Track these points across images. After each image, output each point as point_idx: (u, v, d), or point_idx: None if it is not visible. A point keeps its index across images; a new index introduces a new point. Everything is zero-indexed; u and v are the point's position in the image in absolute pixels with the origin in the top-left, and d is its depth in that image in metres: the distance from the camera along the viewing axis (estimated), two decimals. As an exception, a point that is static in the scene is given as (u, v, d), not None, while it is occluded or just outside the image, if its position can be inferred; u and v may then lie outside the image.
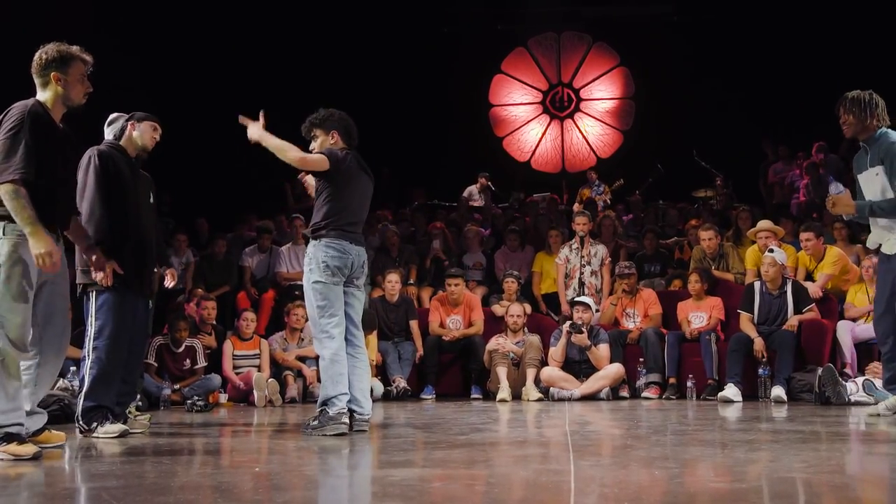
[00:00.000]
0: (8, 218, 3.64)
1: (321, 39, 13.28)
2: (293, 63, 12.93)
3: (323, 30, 13.30)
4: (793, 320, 6.85)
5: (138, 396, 5.51)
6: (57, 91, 3.82)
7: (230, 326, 7.88)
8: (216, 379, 7.15)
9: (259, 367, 7.32)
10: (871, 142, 4.96)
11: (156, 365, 7.06)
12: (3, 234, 3.64)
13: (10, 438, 3.59)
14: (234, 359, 7.38)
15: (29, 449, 3.61)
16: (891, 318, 4.92)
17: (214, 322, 7.67)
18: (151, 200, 4.89)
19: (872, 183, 4.93)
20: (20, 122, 3.63)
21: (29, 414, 3.86)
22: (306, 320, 7.75)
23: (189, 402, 6.55)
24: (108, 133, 4.80)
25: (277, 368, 7.45)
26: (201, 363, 7.18)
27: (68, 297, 4.08)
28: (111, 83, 5.02)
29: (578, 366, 7.24)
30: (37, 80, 3.85)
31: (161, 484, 3.15)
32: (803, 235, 7.33)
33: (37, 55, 3.83)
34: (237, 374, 7.32)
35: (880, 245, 4.98)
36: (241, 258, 8.94)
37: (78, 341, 5.05)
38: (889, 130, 4.92)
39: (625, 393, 7.21)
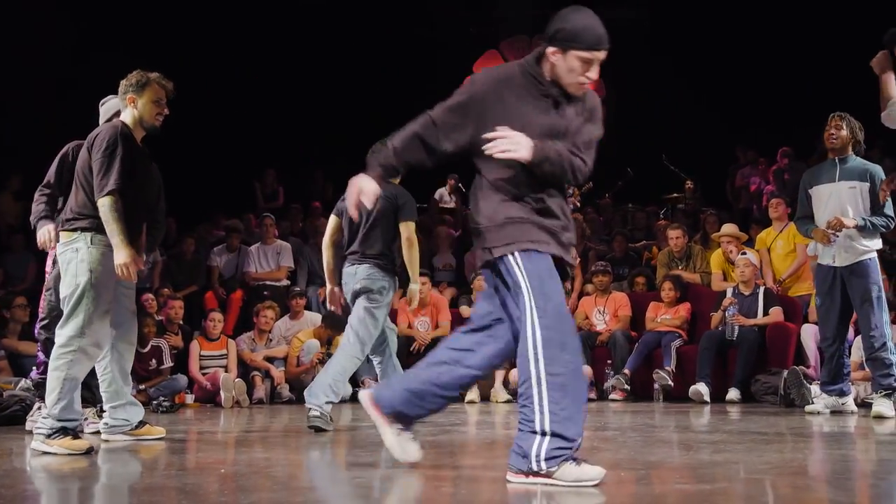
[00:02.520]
0: (93, 229, 3.93)
1: (292, 40, 13.20)
2: (264, 63, 12.85)
3: (294, 31, 13.22)
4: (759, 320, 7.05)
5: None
6: (133, 114, 4.12)
7: (197, 326, 7.80)
8: (182, 379, 7.08)
9: (226, 368, 7.26)
10: (844, 160, 5.31)
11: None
12: (91, 244, 3.92)
13: (64, 433, 3.79)
14: (200, 359, 7.32)
15: (82, 444, 3.80)
16: (833, 324, 5.36)
17: (181, 322, 7.60)
18: None
19: (840, 195, 5.25)
20: (114, 141, 3.92)
21: (125, 405, 4.26)
22: (275, 321, 7.74)
23: (154, 402, 6.47)
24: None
25: (245, 369, 7.39)
26: (167, 363, 7.08)
27: (134, 295, 4.38)
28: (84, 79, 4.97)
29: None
30: (120, 104, 4.21)
31: (125, 485, 3.12)
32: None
33: (121, 82, 4.17)
34: (204, 374, 7.25)
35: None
36: (209, 257, 8.86)
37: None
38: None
39: (592, 395, 7.25)
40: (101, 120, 4.79)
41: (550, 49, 3.06)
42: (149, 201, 4.30)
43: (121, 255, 3.86)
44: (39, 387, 4.66)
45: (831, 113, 5.43)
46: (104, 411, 4.52)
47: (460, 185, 12.55)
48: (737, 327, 6.96)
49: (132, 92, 4.12)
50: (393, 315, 8.05)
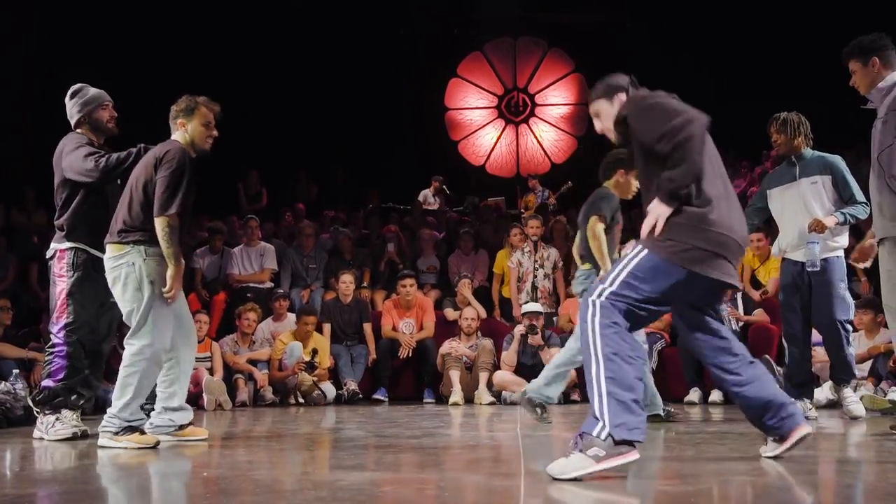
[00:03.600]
0: (146, 242, 4.14)
1: (276, 41, 13.18)
2: (248, 64, 12.82)
3: (278, 32, 13.20)
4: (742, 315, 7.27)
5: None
6: (184, 137, 4.29)
7: (180, 328, 7.75)
8: (165, 382, 7.02)
9: (210, 370, 7.23)
10: (800, 158, 5.33)
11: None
12: (147, 255, 4.14)
13: (132, 430, 4.11)
14: (183, 361, 7.26)
15: (150, 439, 4.14)
16: (798, 322, 5.38)
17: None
18: None
19: (802, 193, 5.26)
20: (183, 164, 4.13)
21: (177, 409, 4.42)
22: (258, 324, 7.72)
23: (136, 405, 6.43)
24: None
25: (228, 372, 7.36)
26: (149, 366, 7.04)
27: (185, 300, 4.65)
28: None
29: (531, 370, 7.28)
30: (171, 127, 4.36)
31: (106, 489, 3.10)
32: (753, 236, 7.47)
33: (172, 107, 4.35)
34: (186, 376, 7.20)
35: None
36: (192, 259, 8.81)
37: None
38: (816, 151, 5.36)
39: (576, 397, 7.29)
40: (73, 116, 4.77)
41: None
42: (188, 218, 4.44)
43: (171, 269, 4.13)
44: (55, 395, 4.55)
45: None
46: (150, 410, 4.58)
47: (444, 186, 12.57)
48: (733, 321, 7.06)
49: (182, 117, 4.30)
50: (379, 316, 8.07)
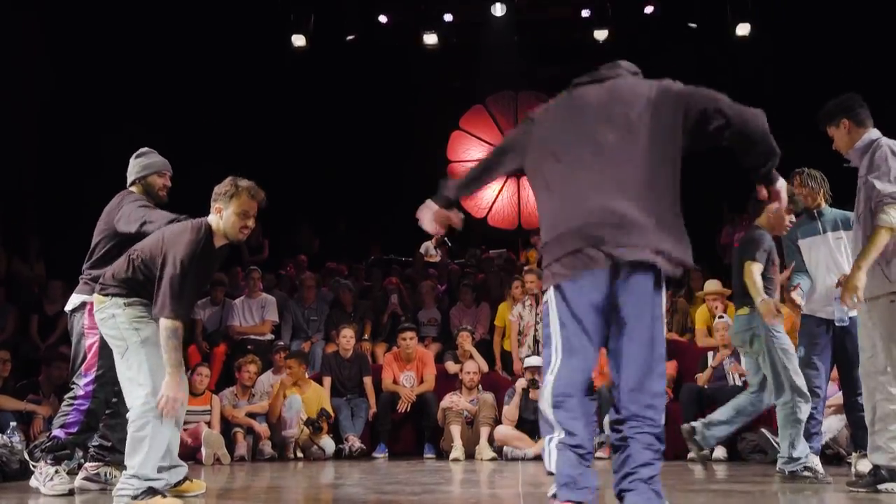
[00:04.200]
0: (125, 296, 3.95)
1: (279, 96, 13.35)
2: (250, 119, 12.96)
3: (281, 86, 13.37)
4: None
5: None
6: (217, 223, 4.02)
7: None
8: (163, 435, 6.97)
9: (209, 424, 7.18)
10: (821, 214, 5.37)
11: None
12: (126, 306, 3.95)
13: (153, 493, 3.82)
14: (183, 414, 7.22)
15: (174, 501, 3.86)
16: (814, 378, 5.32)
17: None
18: None
19: (830, 247, 5.28)
20: (189, 259, 3.83)
21: (170, 468, 4.14)
22: (258, 376, 7.70)
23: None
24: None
25: (227, 425, 7.31)
26: (148, 419, 6.99)
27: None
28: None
29: (532, 425, 7.23)
30: (212, 205, 4.07)
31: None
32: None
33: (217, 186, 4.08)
34: (185, 429, 7.15)
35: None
36: (193, 311, 8.80)
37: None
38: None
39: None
40: (131, 175, 4.86)
41: None
42: (198, 291, 4.35)
43: (168, 385, 3.84)
44: (62, 447, 4.50)
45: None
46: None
47: (446, 238, 12.60)
48: (735, 376, 7.05)
49: (220, 201, 4.02)
50: (380, 369, 8.04)
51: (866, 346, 4.25)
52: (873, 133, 4.23)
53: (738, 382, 7.09)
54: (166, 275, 3.83)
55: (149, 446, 3.84)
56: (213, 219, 4.03)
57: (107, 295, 4.01)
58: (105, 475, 4.63)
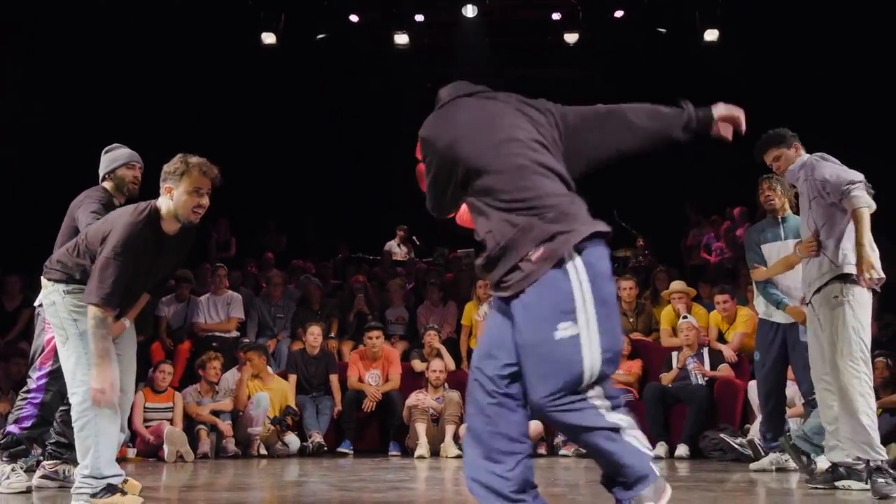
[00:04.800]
0: (66, 281, 3.77)
1: (249, 93, 13.25)
2: (220, 114, 12.86)
3: (251, 83, 13.27)
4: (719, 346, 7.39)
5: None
6: (168, 205, 3.74)
7: (142, 378, 7.63)
8: (125, 432, 6.88)
9: (171, 421, 7.11)
10: (784, 220, 5.55)
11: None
12: (66, 293, 3.75)
13: (112, 490, 3.66)
14: (145, 412, 7.15)
15: (134, 501, 3.71)
16: (773, 380, 5.56)
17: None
18: None
19: (789, 251, 5.33)
20: (123, 247, 3.58)
21: None
22: (222, 373, 7.63)
23: (95, 456, 6.27)
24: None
25: (190, 423, 7.25)
26: (110, 416, 6.88)
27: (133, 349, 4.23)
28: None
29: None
30: (161, 187, 3.80)
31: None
32: (719, 297, 7.56)
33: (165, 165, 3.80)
34: (147, 427, 7.09)
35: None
36: (158, 307, 8.70)
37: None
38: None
39: (542, 450, 7.25)
40: (101, 170, 4.78)
41: None
42: (149, 285, 4.08)
43: (94, 378, 3.60)
44: (17, 443, 4.43)
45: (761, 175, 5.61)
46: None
47: (413, 236, 12.62)
48: (698, 375, 7.12)
49: (170, 181, 3.72)
50: (346, 367, 8.01)
51: (814, 348, 4.35)
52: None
53: (702, 381, 7.16)
54: (99, 259, 3.59)
55: (96, 443, 3.65)
56: (162, 201, 3.75)
57: (50, 279, 3.84)
58: (63, 472, 4.56)
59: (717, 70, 12.78)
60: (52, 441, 4.61)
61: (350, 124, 14.09)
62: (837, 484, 4.20)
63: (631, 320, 8.21)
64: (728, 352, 7.30)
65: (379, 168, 14.35)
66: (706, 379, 7.21)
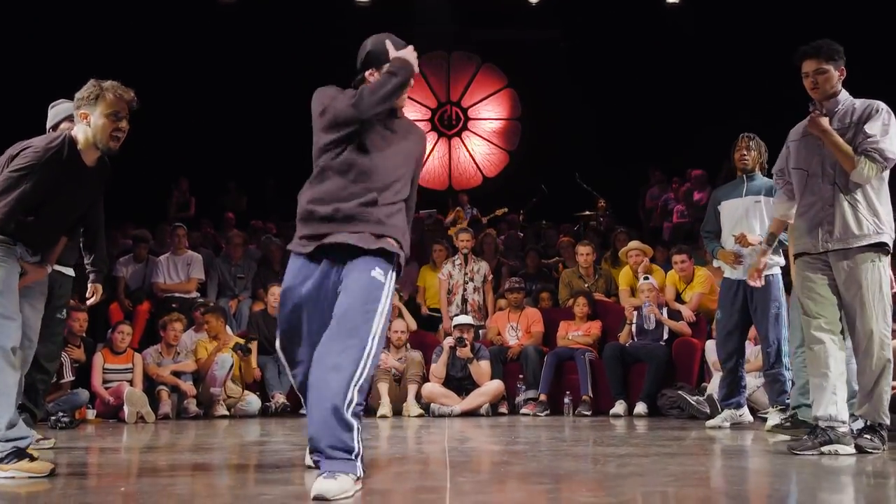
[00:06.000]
0: None
1: (208, 50, 12.98)
2: (179, 72, 12.61)
3: (210, 41, 13.00)
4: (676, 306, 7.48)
5: None
6: (86, 132, 3.56)
7: (101, 339, 7.55)
8: (83, 394, 6.81)
9: (131, 382, 7.05)
10: (752, 178, 5.59)
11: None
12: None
13: (20, 455, 3.43)
14: (104, 373, 7.07)
15: (44, 466, 3.46)
16: (733, 337, 5.59)
17: (84, 334, 7.31)
18: None
19: (746, 209, 5.50)
20: (29, 168, 3.42)
21: None
22: (183, 334, 7.56)
23: (53, 418, 6.18)
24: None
25: (150, 384, 7.18)
26: (68, 377, 6.78)
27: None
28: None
29: (459, 382, 7.31)
30: (74, 118, 3.63)
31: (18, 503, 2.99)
32: (677, 258, 7.65)
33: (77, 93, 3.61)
34: (107, 388, 7.02)
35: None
36: (115, 268, 8.57)
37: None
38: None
39: (504, 409, 7.33)
40: (48, 124, 4.61)
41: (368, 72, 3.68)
42: (69, 221, 3.85)
43: None
44: None
45: (740, 134, 5.67)
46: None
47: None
48: (653, 318, 7.22)
49: (85, 107, 3.54)
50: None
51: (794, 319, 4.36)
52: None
53: (651, 325, 7.28)
54: (5, 173, 3.42)
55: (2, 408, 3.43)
56: (78, 129, 3.56)
57: None
58: None
59: (678, 32, 12.84)
60: None
61: (310, 83, 13.84)
62: (824, 449, 3.96)
63: (587, 284, 8.28)
64: (686, 311, 7.40)
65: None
66: (654, 321, 7.28)
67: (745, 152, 5.59)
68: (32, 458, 3.48)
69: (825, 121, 4.01)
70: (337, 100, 3.38)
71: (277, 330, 3.52)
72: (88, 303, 4.83)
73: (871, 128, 3.93)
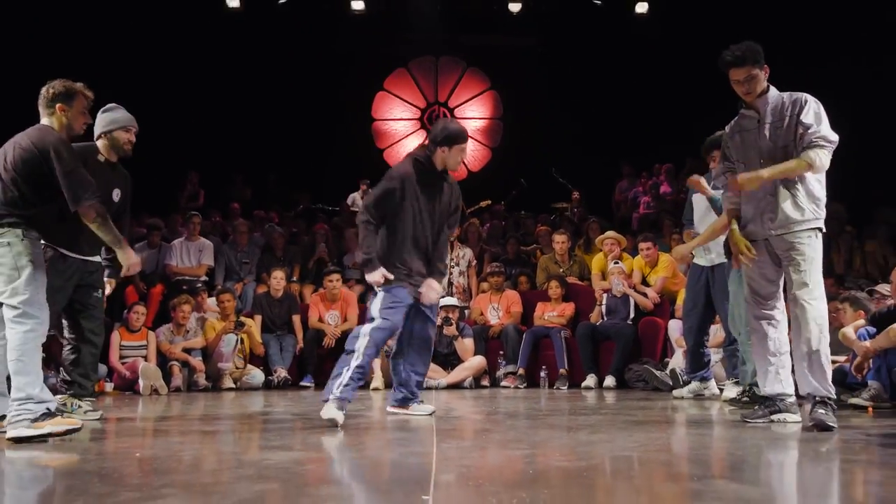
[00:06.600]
0: (23, 225, 3.72)
1: (214, 53, 12.90)
2: (189, 75, 12.52)
3: (216, 43, 12.91)
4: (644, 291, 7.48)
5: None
6: (61, 121, 3.92)
7: (118, 318, 7.52)
8: (101, 368, 6.79)
9: (146, 358, 7.03)
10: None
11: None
12: (24, 237, 3.71)
13: (51, 414, 3.59)
14: (121, 349, 7.06)
15: (74, 421, 3.67)
16: (697, 317, 5.63)
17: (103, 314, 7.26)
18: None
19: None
20: (72, 153, 3.81)
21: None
22: (192, 314, 7.54)
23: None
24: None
25: (163, 359, 7.17)
26: (88, 353, 6.76)
27: None
28: None
29: (445, 358, 7.32)
30: (42, 112, 3.94)
31: (42, 470, 2.99)
32: (643, 245, 7.68)
33: (44, 89, 3.93)
34: (123, 363, 7.00)
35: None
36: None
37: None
38: None
39: (486, 382, 7.35)
40: (97, 128, 4.64)
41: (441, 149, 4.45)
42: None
43: (121, 254, 4.09)
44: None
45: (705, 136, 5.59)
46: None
47: (371, 189, 12.51)
48: (623, 283, 7.32)
49: (61, 101, 3.92)
50: (306, 308, 7.98)
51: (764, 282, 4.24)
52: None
53: (620, 288, 7.34)
54: (64, 172, 3.74)
55: (37, 372, 3.67)
56: (54, 119, 3.92)
57: (2, 224, 3.72)
58: (72, 406, 4.52)
59: (645, 39, 12.83)
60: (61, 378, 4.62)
61: (310, 85, 13.85)
62: (773, 417, 3.99)
63: (562, 269, 8.30)
64: (651, 293, 7.43)
65: (338, 125, 14.16)
66: (622, 289, 7.32)
67: (712, 163, 5.32)
68: (62, 415, 3.73)
69: (743, 176, 3.88)
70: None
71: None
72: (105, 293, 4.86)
73: (806, 118, 3.84)
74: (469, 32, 14.74)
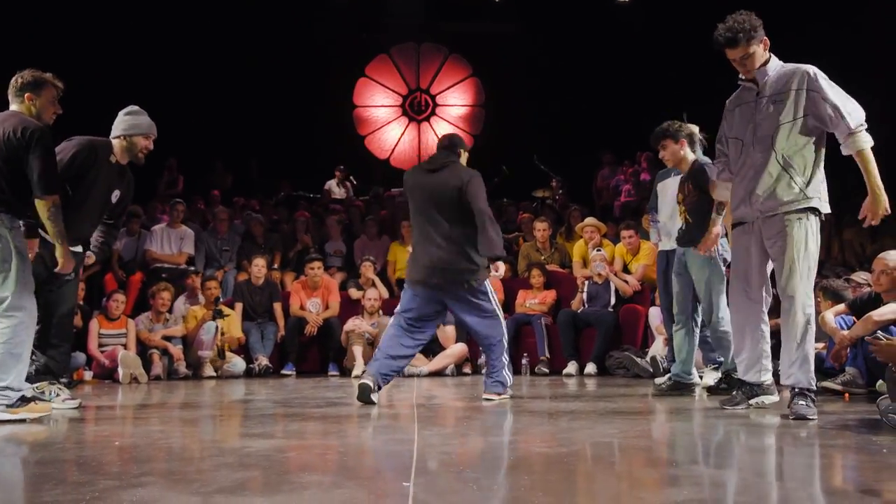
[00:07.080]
0: (11, 214, 3.79)
1: (195, 36, 12.75)
2: (168, 58, 12.38)
3: (197, 28, 12.77)
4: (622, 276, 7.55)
5: None
6: (30, 110, 3.95)
7: (97, 306, 7.46)
8: (80, 357, 6.75)
9: (125, 346, 6.98)
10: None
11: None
12: (12, 226, 3.78)
13: (26, 400, 3.78)
14: (100, 338, 7.00)
15: (45, 407, 3.88)
16: (670, 302, 5.47)
17: (81, 302, 7.21)
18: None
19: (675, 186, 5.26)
20: (51, 143, 3.87)
21: None
22: (172, 302, 7.50)
23: (52, 379, 6.11)
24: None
25: (143, 347, 7.12)
26: (66, 342, 6.71)
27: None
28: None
29: (427, 345, 7.30)
30: (12, 100, 3.98)
31: (21, 458, 2.97)
32: (624, 232, 7.70)
33: (13, 79, 3.97)
34: (102, 352, 6.94)
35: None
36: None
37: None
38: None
39: (468, 370, 7.37)
40: (116, 129, 4.60)
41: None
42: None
43: (60, 249, 3.97)
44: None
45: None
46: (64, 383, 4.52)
47: (350, 176, 12.51)
48: (605, 267, 7.37)
49: (30, 90, 3.96)
50: (288, 296, 7.95)
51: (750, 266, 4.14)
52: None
53: (601, 270, 7.41)
54: (38, 157, 3.77)
55: (23, 361, 3.79)
56: (23, 108, 3.95)
57: None
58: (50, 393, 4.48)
59: (628, 26, 12.85)
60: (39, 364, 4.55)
61: (292, 71, 13.75)
62: (752, 402, 3.99)
63: (544, 257, 8.33)
64: (633, 281, 7.47)
65: (319, 112, 14.08)
66: (613, 303, 7.36)
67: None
68: (36, 402, 3.88)
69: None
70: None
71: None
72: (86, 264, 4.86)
73: (832, 96, 3.61)
74: (451, 19, 14.69)
